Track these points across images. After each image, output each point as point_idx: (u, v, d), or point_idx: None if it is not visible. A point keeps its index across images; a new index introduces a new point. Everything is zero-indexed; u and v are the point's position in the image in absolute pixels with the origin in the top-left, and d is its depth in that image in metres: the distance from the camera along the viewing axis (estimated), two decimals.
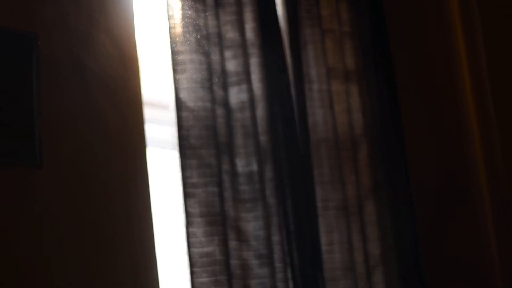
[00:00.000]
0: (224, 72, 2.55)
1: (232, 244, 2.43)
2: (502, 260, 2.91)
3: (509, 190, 2.90)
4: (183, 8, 2.49)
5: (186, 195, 2.37)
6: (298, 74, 2.80)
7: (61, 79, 2.14)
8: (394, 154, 3.01)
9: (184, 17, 2.49)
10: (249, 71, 2.59)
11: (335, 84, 2.90)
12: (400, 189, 2.99)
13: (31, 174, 2.01)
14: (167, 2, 2.48)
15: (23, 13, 2.09)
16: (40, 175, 2.03)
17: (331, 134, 2.82)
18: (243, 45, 2.59)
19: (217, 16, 2.58)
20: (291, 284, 2.54)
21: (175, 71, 2.44)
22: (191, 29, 2.50)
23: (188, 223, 2.35)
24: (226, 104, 2.53)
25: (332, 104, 2.86)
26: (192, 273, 2.33)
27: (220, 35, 2.58)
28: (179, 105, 2.42)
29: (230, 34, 2.59)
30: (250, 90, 2.57)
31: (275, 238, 2.52)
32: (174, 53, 2.45)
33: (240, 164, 2.51)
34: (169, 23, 2.47)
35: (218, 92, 2.52)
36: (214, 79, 2.51)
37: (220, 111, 2.51)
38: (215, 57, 2.54)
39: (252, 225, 2.47)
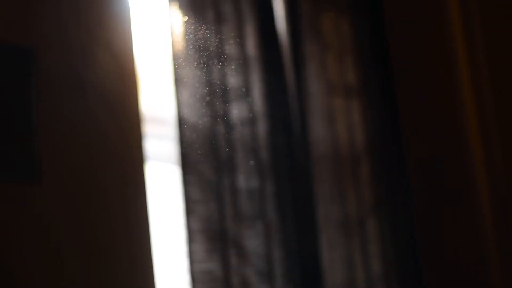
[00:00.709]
0: (225, 88, 2.55)
1: (233, 260, 2.41)
2: (504, 272, 2.89)
3: None
4: (184, 24, 2.49)
5: (187, 211, 2.35)
6: (299, 89, 2.79)
7: (60, 93, 2.14)
8: (395, 170, 3.00)
9: (185, 32, 2.49)
10: (250, 86, 2.59)
11: (336, 99, 2.90)
12: (401, 205, 2.97)
13: (29, 189, 2.00)
14: (169, 17, 2.47)
15: (21, 27, 2.08)
16: (39, 189, 2.01)
17: (332, 150, 2.81)
18: (244, 60, 2.59)
19: (218, 32, 2.58)
20: None
21: (176, 86, 2.44)
22: (192, 44, 2.49)
23: (189, 239, 2.33)
24: (227, 120, 2.52)
25: (333, 120, 2.86)
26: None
27: (221, 51, 2.57)
28: (180, 120, 2.41)
29: (231, 49, 2.59)
30: (251, 105, 2.56)
31: (276, 254, 2.50)
32: (175, 68, 2.44)
33: (241, 180, 2.50)
34: (170, 38, 2.46)
35: (219, 108, 2.51)
36: (215, 95, 2.50)
37: (221, 127, 2.50)
38: (216, 72, 2.54)
39: (252, 241, 2.46)
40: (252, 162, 2.52)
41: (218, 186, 2.43)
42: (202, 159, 2.42)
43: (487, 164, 3.01)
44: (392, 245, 2.89)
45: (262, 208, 2.49)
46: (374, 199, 2.90)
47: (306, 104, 2.80)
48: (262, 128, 2.58)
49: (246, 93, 2.57)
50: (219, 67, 2.55)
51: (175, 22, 2.48)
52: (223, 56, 2.57)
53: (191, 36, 2.50)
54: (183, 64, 2.46)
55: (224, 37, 2.59)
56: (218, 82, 2.53)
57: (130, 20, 2.40)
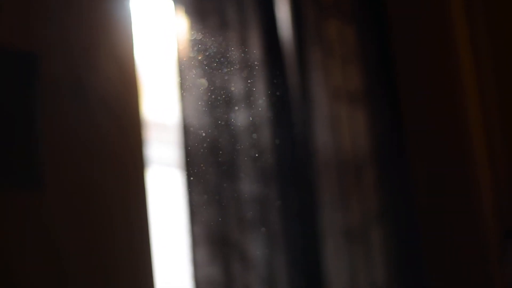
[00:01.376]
0: (228, 94, 2.54)
1: (236, 266, 2.40)
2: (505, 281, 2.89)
3: None
4: (188, 29, 2.49)
5: (190, 216, 2.35)
6: (303, 96, 2.79)
7: (62, 98, 2.13)
8: (399, 178, 2.99)
9: (189, 38, 2.49)
10: (253, 93, 2.58)
11: (340, 106, 2.89)
12: (405, 213, 2.96)
13: (32, 194, 1.99)
14: (173, 23, 2.48)
15: (24, 33, 2.08)
16: (41, 194, 2.01)
17: (335, 157, 2.80)
18: (248, 67, 2.59)
19: (222, 38, 2.58)
20: None
21: (180, 91, 2.44)
22: (196, 50, 2.49)
23: (192, 245, 2.33)
24: (230, 126, 2.52)
25: (337, 127, 2.85)
26: None
27: (225, 57, 2.57)
28: (184, 125, 2.41)
29: (236, 55, 2.59)
30: (254, 112, 2.56)
31: (279, 261, 2.49)
32: (179, 73, 2.44)
33: (244, 186, 2.49)
34: (175, 44, 2.47)
35: (223, 113, 2.51)
36: (218, 100, 2.50)
37: (224, 133, 2.50)
38: (220, 78, 2.54)
39: (255, 247, 2.45)
40: (255, 168, 2.52)
41: (221, 192, 2.42)
42: (205, 164, 2.41)
43: (491, 172, 3.00)
44: (396, 253, 2.88)
45: (266, 215, 2.49)
46: (377, 206, 2.90)
47: (310, 111, 2.80)
48: (266, 134, 2.58)
49: (250, 99, 2.56)
50: (223, 73, 2.55)
51: (180, 27, 2.48)
52: (227, 62, 2.57)
53: (195, 41, 2.50)
54: (187, 69, 2.47)
55: (228, 43, 2.60)
56: (222, 87, 2.53)
57: (133, 25, 2.40)
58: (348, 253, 2.74)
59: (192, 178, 2.39)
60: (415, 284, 2.89)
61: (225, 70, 2.56)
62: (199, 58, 2.49)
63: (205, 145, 2.43)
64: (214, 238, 2.36)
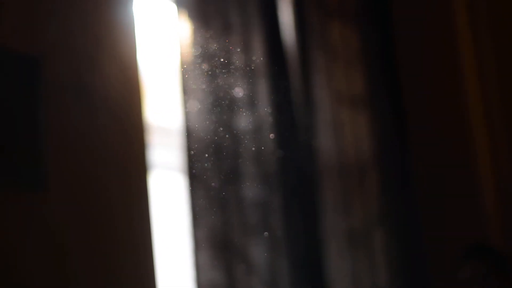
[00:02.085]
0: (231, 97, 2.54)
1: (238, 270, 2.40)
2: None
3: None
4: (191, 33, 2.49)
5: (193, 220, 2.34)
6: (306, 100, 2.79)
7: (66, 101, 2.13)
8: (402, 181, 2.99)
9: (193, 42, 2.49)
10: (256, 96, 2.58)
11: (343, 110, 2.89)
12: (408, 216, 2.96)
13: (36, 196, 1.99)
14: (177, 27, 2.48)
15: (27, 36, 2.08)
16: (45, 196, 2.01)
17: (338, 160, 2.80)
18: (251, 70, 2.59)
19: (226, 41, 2.58)
20: None
21: (183, 95, 2.43)
22: (199, 54, 2.49)
23: (194, 249, 2.33)
24: (233, 129, 2.52)
25: (340, 130, 2.85)
26: None
27: (228, 60, 2.57)
28: (187, 129, 2.41)
29: (239, 59, 2.58)
30: (257, 115, 2.56)
31: (281, 265, 2.49)
32: (182, 77, 2.44)
33: (247, 190, 2.49)
34: (178, 48, 2.46)
35: (226, 117, 2.51)
36: (221, 104, 2.50)
37: (227, 136, 2.49)
38: (223, 82, 2.53)
39: (258, 251, 2.45)
40: (258, 172, 2.52)
41: (224, 195, 2.42)
42: (208, 168, 2.41)
43: (495, 175, 3.00)
44: (398, 255, 2.87)
45: (268, 218, 2.48)
46: (380, 210, 2.89)
47: (313, 115, 2.80)
48: (268, 138, 2.57)
49: (253, 103, 2.56)
50: (226, 76, 2.55)
51: (183, 31, 2.48)
52: (230, 66, 2.57)
53: (198, 45, 2.50)
54: (190, 73, 2.46)
55: (231, 46, 2.59)
56: (225, 91, 2.53)
57: (136, 28, 2.40)
58: (350, 256, 2.74)
59: (194, 182, 2.38)
60: (417, 286, 2.89)
61: (228, 73, 2.56)
62: (202, 61, 2.49)
63: (207, 149, 2.42)
64: (216, 241, 2.36)
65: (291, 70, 2.75)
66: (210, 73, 2.50)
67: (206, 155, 2.41)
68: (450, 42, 3.14)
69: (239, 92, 2.55)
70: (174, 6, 2.51)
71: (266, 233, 2.47)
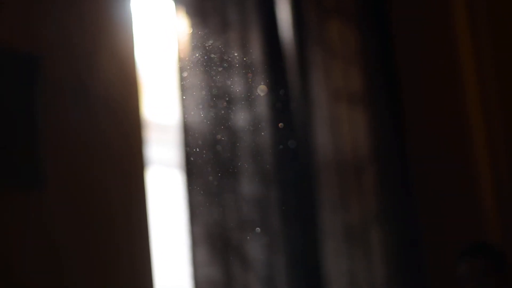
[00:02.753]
0: (229, 94, 2.54)
1: (235, 266, 2.40)
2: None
3: None
4: (189, 30, 2.49)
5: (190, 216, 2.35)
6: (304, 97, 2.79)
7: (64, 100, 2.14)
8: (399, 179, 2.99)
9: (191, 39, 2.49)
10: (254, 93, 2.58)
11: (341, 107, 2.89)
12: (405, 213, 2.96)
13: (33, 194, 2.00)
14: (175, 24, 2.48)
15: (26, 35, 2.08)
16: (43, 194, 2.01)
17: (336, 158, 2.80)
18: (248, 67, 2.59)
19: (223, 39, 2.58)
20: None
21: (180, 92, 2.43)
22: (197, 51, 2.49)
23: (192, 245, 2.33)
24: (231, 126, 2.52)
25: (337, 127, 2.85)
26: None
27: (226, 57, 2.57)
28: (184, 126, 2.41)
29: (236, 56, 2.58)
30: (255, 112, 2.56)
31: (279, 261, 2.49)
32: (180, 74, 2.44)
33: (244, 187, 2.49)
34: (176, 45, 2.47)
35: (223, 114, 2.51)
36: (219, 101, 2.50)
37: (224, 133, 2.49)
38: (221, 79, 2.54)
39: (255, 248, 2.45)
40: (255, 169, 2.52)
41: (221, 192, 2.42)
42: (206, 165, 2.41)
43: (493, 172, 3.00)
44: (396, 253, 2.87)
45: (265, 215, 2.48)
46: (378, 207, 2.89)
47: (311, 112, 2.80)
48: (266, 135, 2.57)
49: (250, 100, 2.56)
50: (224, 73, 2.55)
51: (181, 28, 2.48)
52: (228, 63, 2.57)
53: (196, 42, 2.50)
54: (188, 70, 2.47)
55: (229, 44, 2.59)
56: (223, 88, 2.53)
57: (134, 26, 2.40)
58: (348, 254, 2.74)
59: (192, 179, 2.38)
60: (415, 284, 2.89)
61: (226, 70, 2.56)
62: (200, 58, 2.49)
63: (205, 146, 2.43)
64: (213, 238, 2.36)
65: (289, 68, 2.75)
66: (207, 70, 2.50)
67: (204, 151, 2.42)
68: (449, 40, 3.15)
69: (236, 89, 2.56)
70: (172, 3, 2.51)
71: (258, 228, 2.47)
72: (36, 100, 2.05)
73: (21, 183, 1.98)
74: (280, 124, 2.55)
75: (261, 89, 2.60)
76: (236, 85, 2.56)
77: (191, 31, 2.49)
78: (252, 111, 2.56)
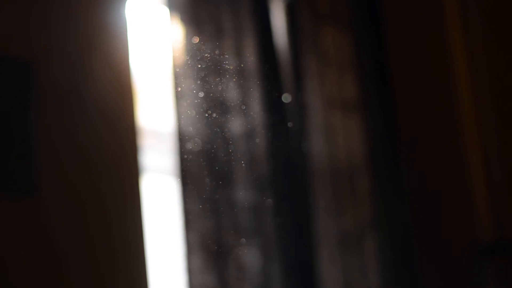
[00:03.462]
0: (223, 101, 2.54)
1: (230, 274, 2.40)
2: None
3: None
4: (184, 37, 2.49)
5: (185, 224, 2.34)
6: (298, 104, 2.79)
7: (58, 106, 2.13)
8: (394, 186, 2.99)
9: (185, 46, 2.49)
10: (248, 100, 2.58)
11: (335, 114, 2.89)
12: (400, 221, 2.96)
13: (28, 201, 1.99)
14: (169, 31, 2.47)
15: (20, 40, 2.08)
16: (37, 201, 2.00)
17: (330, 165, 2.80)
18: (243, 74, 2.59)
19: (218, 46, 2.58)
20: None
21: (175, 99, 2.43)
22: (192, 57, 2.49)
23: (186, 252, 2.32)
24: (225, 133, 2.51)
25: (332, 134, 2.85)
26: None
27: (220, 64, 2.57)
28: (179, 133, 2.40)
29: (231, 63, 2.58)
30: (249, 119, 2.56)
31: (274, 269, 2.48)
32: (174, 81, 2.44)
33: (239, 194, 2.48)
34: (170, 52, 2.46)
35: (218, 121, 2.50)
36: (214, 108, 2.50)
37: (219, 140, 2.49)
38: (216, 86, 2.53)
39: (250, 255, 2.44)
40: (250, 176, 2.51)
41: (216, 199, 2.41)
42: (200, 172, 2.41)
43: (487, 179, 3.00)
44: (391, 260, 2.87)
45: (260, 222, 2.48)
46: (372, 214, 2.89)
47: (305, 119, 2.80)
48: (261, 142, 2.57)
49: (245, 107, 2.56)
50: (218, 80, 2.55)
51: (176, 35, 2.48)
52: (223, 70, 2.57)
53: (191, 49, 2.50)
54: (183, 77, 2.46)
55: (223, 51, 2.59)
56: (217, 95, 2.53)
57: (129, 32, 2.40)
58: (342, 261, 2.73)
59: (187, 186, 2.38)
60: None
61: (221, 77, 2.55)
62: (195, 65, 2.48)
63: (200, 152, 2.42)
64: (208, 245, 2.35)
65: (283, 75, 2.75)
66: (202, 76, 2.49)
67: (199, 158, 2.41)
68: (443, 47, 3.15)
69: (231, 96, 2.55)
70: (166, 10, 2.50)
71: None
72: (30, 105, 2.04)
73: (15, 189, 1.98)
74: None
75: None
76: (231, 92, 2.56)
77: (186, 37, 2.49)
78: (246, 118, 2.55)
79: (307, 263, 2.62)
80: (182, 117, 2.42)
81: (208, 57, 2.53)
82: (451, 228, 3.01)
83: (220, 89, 2.54)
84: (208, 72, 2.51)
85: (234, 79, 2.57)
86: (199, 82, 2.48)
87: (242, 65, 2.60)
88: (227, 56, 2.59)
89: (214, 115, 2.49)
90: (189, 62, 2.48)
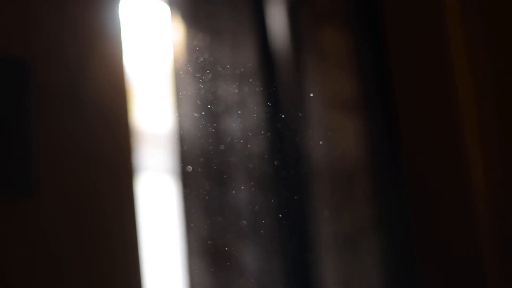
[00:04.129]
0: (223, 101, 2.53)
1: (231, 274, 2.39)
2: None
3: None
4: (184, 35, 2.48)
5: (184, 224, 2.33)
6: (298, 103, 2.78)
7: (57, 106, 2.12)
8: (394, 187, 2.98)
9: (185, 44, 2.48)
10: (248, 100, 2.57)
11: (335, 114, 2.88)
12: (399, 222, 2.95)
13: (26, 204, 1.98)
14: (169, 29, 2.47)
15: (19, 39, 2.07)
16: (36, 202, 1.99)
17: (330, 165, 2.79)
18: (243, 73, 2.58)
19: (217, 45, 2.57)
20: None
21: (174, 98, 2.42)
22: (191, 57, 2.48)
23: (185, 253, 2.31)
24: (224, 133, 2.51)
25: (332, 135, 2.84)
26: None
27: (219, 64, 2.56)
28: (178, 132, 2.40)
29: (229, 63, 2.58)
30: (249, 119, 2.55)
31: (274, 269, 2.48)
32: (174, 80, 2.43)
33: (239, 194, 2.48)
34: (170, 51, 2.45)
35: (217, 120, 2.50)
36: (213, 108, 2.49)
37: (218, 140, 2.48)
38: (215, 85, 2.52)
39: (251, 256, 2.44)
40: (250, 176, 2.51)
41: (215, 199, 2.41)
42: (199, 172, 2.40)
43: (488, 181, 3.00)
44: (391, 260, 2.87)
45: (261, 222, 2.47)
46: (373, 215, 2.89)
47: (305, 119, 2.79)
48: (261, 142, 2.56)
49: (245, 106, 2.55)
50: (218, 80, 2.54)
51: (176, 33, 2.47)
52: (223, 69, 2.56)
53: (191, 47, 2.49)
54: (182, 75, 2.45)
55: (222, 50, 2.58)
56: (217, 95, 2.52)
57: (127, 30, 2.39)
58: (343, 261, 2.73)
59: (186, 186, 2.37)
60: None
61: (220, 77, 2.55)
62: (194, 64, 2.48)
63: (199, 152, 2.41)
64: (208, 246, 2.35)
65: (282, 74, 2.74)
66: (202, 76, 2.48)
67: (198, 159, 2.40)
68: (443, 45, 3.14)
69: (231, 95, 2.55)
70: (167, 8, 2.49)
71: (257, 237, 2.46)
72: (29, 105, 2.03)
73: (13, 189, 1.97)
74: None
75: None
76: (230, 92, 2.55)
77: (186, 36, 2.48)
78: (246, 118, 2.55)
79: (308, 263, 2.61)
80: (181, 117, 2.42)
81: (207, 56, 2.52)
82: (452, 228, 3.01)
83: (219, 88, 2.53)
84: (208, 71, 2.51)
85: (234, 79, 2.56)
86: (198, 81, 2.47)
87: (242, 64, 2.59)
88: (225, 55, 2.58)
89: (214, 114, 2.49)
90: (189, 61, 2.47)
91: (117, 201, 2.22)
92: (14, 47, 2.05)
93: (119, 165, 2.25)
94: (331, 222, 2.75)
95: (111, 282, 2.14)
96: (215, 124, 2.48)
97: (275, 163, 2.60)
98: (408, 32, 3.20)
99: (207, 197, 2.39)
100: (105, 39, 2.30)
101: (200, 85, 2.47)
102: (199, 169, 2.40)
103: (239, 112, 2.54)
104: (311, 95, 2.83)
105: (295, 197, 2.64)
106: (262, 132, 2.57)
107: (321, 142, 2.80)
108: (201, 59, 2.50)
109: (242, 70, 2.59)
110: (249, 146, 2.52)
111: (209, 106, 2.48)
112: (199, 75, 2.47)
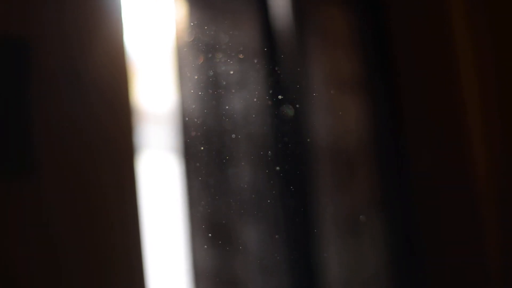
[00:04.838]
0: (226, 80, 2.53)
1: (234, 255, 2.40)
2: (505, 275, 2.88)
3: None
4: (185, 16, 2.47)
5: (187, 204, 2.33)
6: (299, 83, 2.77)
7: (56, 86, 2.12)
8: (396, 168, 2.98)
9: (188, 24, 2.47)
10: (251, 80, 2.57)
11: (337, 94, 2.88)
12: (402, 204, 2.95)
13: (26, 182, 1.98)
14: (171, 9, 2.46)
15: (18, 20, 2.06)
16: (36, 182, 1.99)
17: (333, 145, 2.79)
18: (245, 53, 2.58)
19: (220, 25, 2.56)
20: None
21: (177, 78, 2.42)
22: (194, 36, 2.48)
23: (189, 231, 2.32)
24: (228, 112, 2.50)
25: (334, 114, 2.84)
26: (193, 284, 2.29)
27: (222, 44, 2.56)
28: (182, 111, 2.40)
29: (233, 42, 2.57)
30: (251, 99, 2.55)
31: (278, 249, 2.48)
32: (176, 60, 2.43)
33: (243, 174, 2.48)
34: (173, 30, 2.45)
35: (221, 100, 2.49)
36: (216, 87, 2.49)
37: (222, 119, 2.48)
38: (219, 65, 2.52)
39: (254, 236, 2.44)
40: (254, 155, 2.51)
41: (220, 179, 2.41)
42: (203, 151, 2.40)
43: (490, 162, 2.99)
44: (392, 244, 2.87)
45: (264, 202, 2.47)
46: (374, 197, 2.88)
47: (307, 99, 2.78)
48: (264, 122, 2.56)
49: (247, 86, 2.55)
50: (221, 60, 2.53)
51: (177, 12, 2.46)
52: (226, 50, 2.56)
53: (193, 28, 2.48)
54: (185, 55, 2.45)
55: (225, 30, 2.58)
56: (221, 75, 2.52)
57: (131, 11, 2.38)
58: (345, 243, 2.73)
59: (189, 166, 2.37)
60: (413, 275, 2.88)
61: (224, 57, 2.54)
62: (197, 44, 2.47)
63: (202, 132, 2.41)
64: (211, 224, 2.35)
65: (285, 53, 2.74)
66: (205, 56, 2.48)
67: (202, 137, 2.40)
68: (446, 24, 3.13)
69: (233, 74, 2.54)
70: None
71: (261, 217, 2.46)
72: (28, 85, 2.03)
73: (14, 169, 1.97)
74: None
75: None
76: (233, 71, 2.55)
77: (188, 14, 2.48)
78: (248, 97, 2.54)
79: (309, 240, 2.62)
80: (184, 96, 2.41)
81: (210, 36, 2.52)
82: (455, 211, 3.01)
83: (223, 68, 2.53)
84: (211, 52, 2.50)
85: (237, 58, 2.56)
86: (202, 61, 2.47)
87: (244, 43, 2.59)
88: (229, 35, 2.57)
89: (217, 94, 2.48)
90: (191, 41, 2.46)
91: (119, 179, 2.21)
92: (15, 28, 2.05)
93: (120, 144, 2.25)
94: (333, 203, 2.75)
95: (111, 259, 2.14)
96: (216, 103, 2.48)
97: (277, 143, 2.59)
98: (412, 12, 3.18)
99: (209, 176, 2.39)
100: (106, 18, 2.29)
101: (202, 63, 2.46)
102: (201, 148, 2.40)
103: (241, 91, 2.53)
104: (315, 74, 2.82)
105: (297, 175, 2.64)
106: (264, 111, 2.57)
107: (324, 122, 2.79)
108: (203, 38, 2.49)
109: (244, 49, 2.58)
110: (251, 125, 2.52)
111: (211, 85, 2.47)
112: (201, 54, 2.47)
